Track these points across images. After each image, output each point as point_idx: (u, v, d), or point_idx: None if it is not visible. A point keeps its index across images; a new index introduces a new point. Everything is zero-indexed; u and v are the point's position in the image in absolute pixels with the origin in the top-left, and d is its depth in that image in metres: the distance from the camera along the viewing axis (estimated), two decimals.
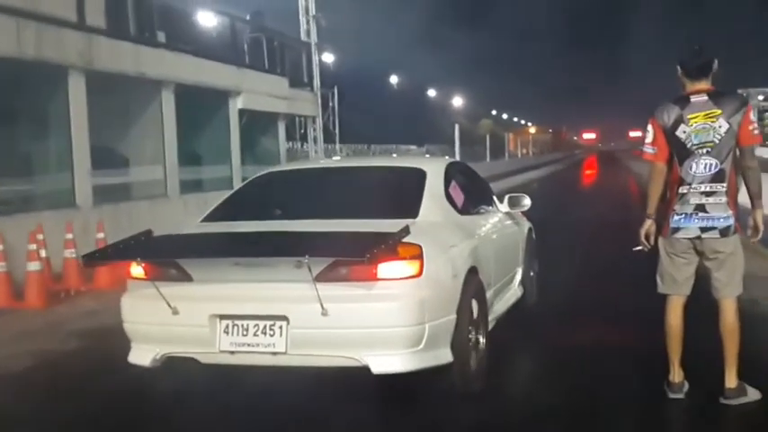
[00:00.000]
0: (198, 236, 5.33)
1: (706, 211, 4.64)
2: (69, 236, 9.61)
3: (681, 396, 4.89)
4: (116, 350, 6.66)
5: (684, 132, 4.67)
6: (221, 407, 5.08)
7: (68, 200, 11.40)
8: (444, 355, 4.73)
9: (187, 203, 14.41)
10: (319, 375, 4.98)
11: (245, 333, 4.59)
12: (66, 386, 5.82)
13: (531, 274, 7.58)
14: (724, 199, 4.63)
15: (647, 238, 4.90)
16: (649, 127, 4.84)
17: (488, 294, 5.72)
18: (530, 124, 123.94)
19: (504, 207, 6.91)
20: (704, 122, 4.62)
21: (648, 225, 4.89)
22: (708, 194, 4.64)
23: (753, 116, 4.72)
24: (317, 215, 5.28)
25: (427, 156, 33.95)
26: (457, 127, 36.77)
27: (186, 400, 5.12)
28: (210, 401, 5.16)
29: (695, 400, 4.89)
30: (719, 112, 4.61)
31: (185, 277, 4.75)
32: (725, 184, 4.63)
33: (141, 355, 4.97)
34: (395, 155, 32.20)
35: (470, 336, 5.04)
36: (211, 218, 5.65)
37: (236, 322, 4.62)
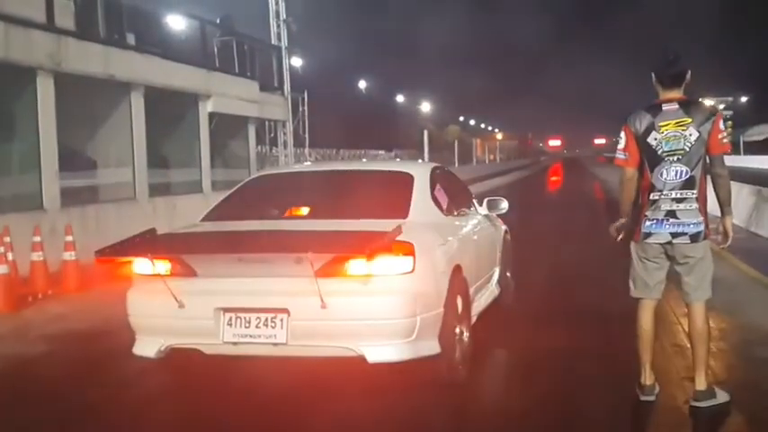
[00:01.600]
0: (201, 233, 5.57)
1: (677, 217, 4.73)
2: (37, 239, 9.49)
3: (652, 398, 4.96)
4: (86, 354, 6.68)
5: (656, 139, 4.76)
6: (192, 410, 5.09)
7: (36, 202, 11.26)
8: (433, 347, 5.00)
9: (156, 207, 14.33)
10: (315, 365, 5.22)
11: (247, 325, 4.84)
12: (35, 390, 5.75)
13: (508, 274, 7.87)
14: (694, 205, 4.72)
15: (618, 232, 5.04)
16: (622, 133, 4.92)
17: (471, 291, 5.99)
18: (497, 130, 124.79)
19: (483, 210, 7.25)
20: (675, 130, 4.71)
21: (620, 223, 5.03)
22: (678, 201, 4.72)
23: (722, 125, 4.81)
24: (313, 216, 5.62)
25: (397, 160, 34.05)
26: (426, 133, 36.89)
27: (155, 410, 5.19)
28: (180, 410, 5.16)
29: (666, 402, 4.98)
30: (690, 120, 4.70)
31: (190, 272, 4.99)
32: (695, 191, 4.71)
33: (146, 347, 5.18)
34: (364, 159, 32.23)
35: (455, 329, 5.33)
36: (210, 218, 5.89)
37: (240, 315, 4.86)
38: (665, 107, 4.78)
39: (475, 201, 7.35)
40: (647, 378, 4.96)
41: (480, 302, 6.53)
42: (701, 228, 4.74)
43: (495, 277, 7.37)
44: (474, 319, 6.04)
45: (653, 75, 4.86)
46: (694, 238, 4.74)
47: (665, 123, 4.74)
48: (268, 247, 4.87)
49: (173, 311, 4.91)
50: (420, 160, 30.39)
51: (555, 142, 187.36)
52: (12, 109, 11.50)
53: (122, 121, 13.91)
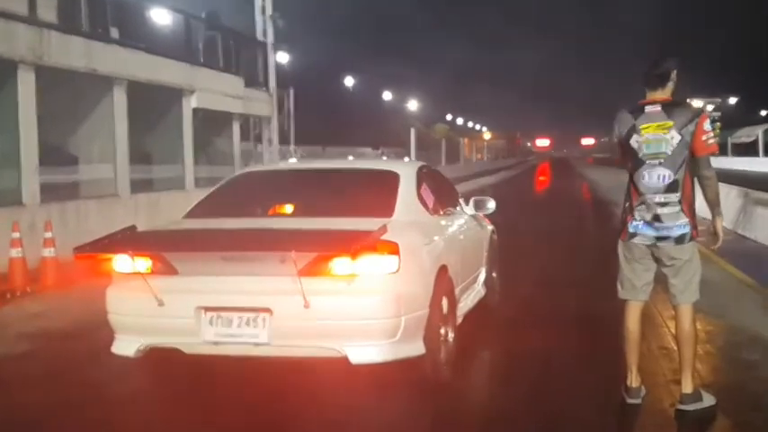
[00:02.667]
0: (183, 231, 5.47)
1: (661, 221, 4.69)
2: (15, 235, 9.33)
3: (638, 401, 4.88)
4: (63, 353, 6.55)
5: (637, 142, 4.72)
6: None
7: (15, 197, 11.09)
8: (418, 348, 4.95)
9: (138, 203, 14.19)
10: (298, 365, 5.16)
11: (229, 324, 4.78)
12: (8, 391, 5.61)
13: (494, 274, 7.79)
14: (677, 208, 4.67)
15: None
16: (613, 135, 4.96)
17: (456, 291, 5.93)
18: (485, 129, 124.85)
19: (469, 209, 7.17)
20: (656, 133, 4.66)
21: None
22: (662, 205, 4.68)
23: (707, 126, 4.72)
24: (298, 214, 5.55)
25: (384, 158, 33.95)
26: (413, 131, 36.79)
27: (134, 410, 5.10)
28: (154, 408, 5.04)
29: (652, 405, 4.92)
30: (671, 123, 4.63)
31: (171, 271, 4.90)
32: (678, 194, 4.65)
33: (125, 346, 5.10)
34: (351, 157, 32.11)
35: (441, 330, 5.27)
36: (193, 215, 5.80)
37: (221, 314, 4.79)
38: (647, 109, 4.73)
39: (461, 200, 7.28)
40: (634, 380, 4.89)
41: (466, 303, 6.47)
42: (687, 229, 4.69)
43: (481, 278, 7.30)
44: (460, 319, 5.97)
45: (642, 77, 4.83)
46: (679, 240, 4.70)
47: (645, 126, 4.69)
48: (251, 246, 4.80)
49: (153, 310, 4.83)
50: (407, 159, 30.35)
51: (543, 142, 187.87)
52: None
53: (105, 116, 13.75)
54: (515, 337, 6.78)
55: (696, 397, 4.75)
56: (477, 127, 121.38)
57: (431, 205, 6.09)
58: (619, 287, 5.00)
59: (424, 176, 6.33)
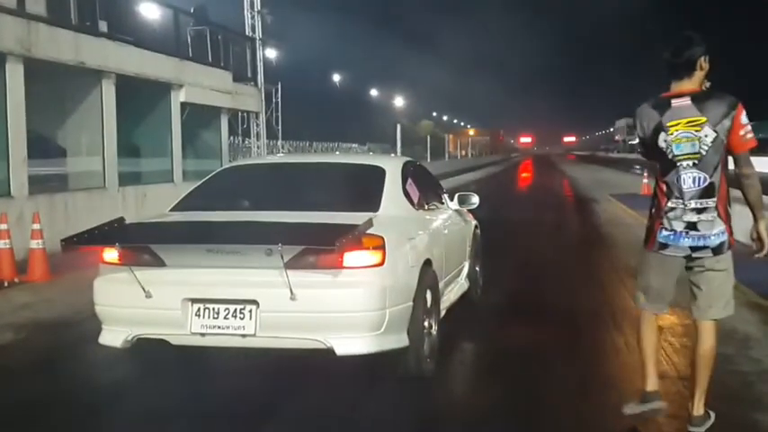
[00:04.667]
0: (170, 223, 5.51)
1: (697, 230, 4.18)
2: (3, 226, 9.38)
3: (660, 405, 4.46)
4: (50, 344, 6.62)
5: (665, 142, 4.19)
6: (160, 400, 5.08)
7: (3, 189, 11.11)
8: (402, 340, 5.04)
9: (126, 196, 14.23)
10: (283, 356, 5.21)
11: (215, 316, 4.81)
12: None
13: (477, 268, 7.92)
14: (715, 214, 4.17)
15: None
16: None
17: (440, 285, 6.03)
18: (469, 126, 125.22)
19: (453, 204, 7.29)
20: (686, 131, 4.14)
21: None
22: (699, 211, 4.16)
23: (744, 119, 4.15)
24: (282, 207, 5.53)
25: (370, 154, 34.03)
26: (399, 127, 36.89)
27: (120, 401, 5.16)
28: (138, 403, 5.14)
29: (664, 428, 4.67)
30: (704, 119, 4.10)
31: (158, 262, 4.93)
32: (715, 199, 4.15)
33: (112, 337, 5.13)
34: (338, 152, 32.18)
35: (424, 323, 5.35)
36: (179, 208, 5.84)
37: (208, 306, 4.83)
38: (674, 102, 4.17)
39: (446, 195, 7.38)
40: (655, 384, 4.48)
41: (449, 296, 6.58)
42: (724, 238, 4.20)
43: (464, 271, 7.42)
44: (443, 312, 6.08)
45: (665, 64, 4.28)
46: (717, 250, 4.20)
47: (674, 123, 4.16)
48: (238, 239, 4.86)
49: (140, 301, 4.86)
50: (393, 154, 30.44)
51: (526, 139, 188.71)
52: None
53: (93, 110, 13.75)
54: (498, 329, 6.93)
55: (706, 417, 4.38)
56: (462, 124, 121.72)
57: (416, 200, 6.17)
58: (641, 297, 4.49)
59: (409, 172, 6.42)
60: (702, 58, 4.21)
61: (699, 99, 4.15)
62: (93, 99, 13.71)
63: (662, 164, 4.25)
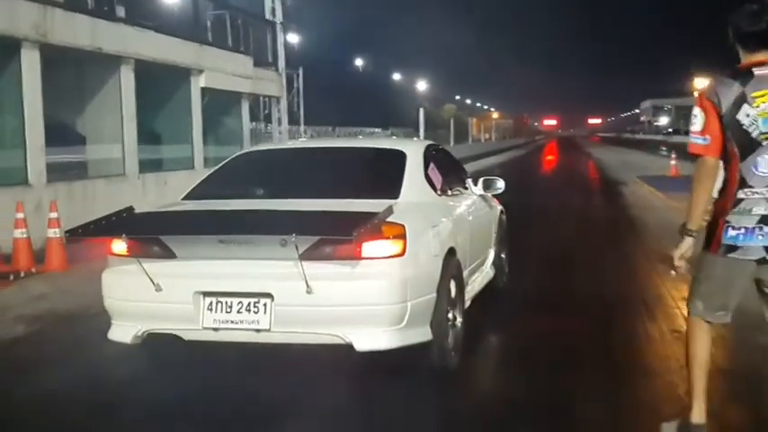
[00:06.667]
0: (181, 213, 5.30)
1: None
2: (20, 215, 9.24)
3: None
4: (65, 336, 6.45)
5: (748, 116, 3.57)
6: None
7: (20, 177, 11.00)
8: (424, 333, 4.80)
9: (146, 183, 14.13)
10: (300, 349, 4.97)
11: (228, 310, 4.61)
12: (7, 376, 5.49)
13: (503, 255, 7.66)
14: None
15: (686, 261, 3.82)
16: (697, 110, 3.69)
17: (465, 274, 5.78)
18: (492, 109, 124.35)
19: (478, 189, 7.00)
20: None
21: (687, 245, 3.77)
22: None
23: None
24: (299, 195, 5.33)
25: (393, 137, 33.81)
26: (422, 111, 36.59)
27: (134, 396, 4.97)
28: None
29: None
30: None
31: (169, 254, 4.73)
32: None
33: (122, 332, 4.94)
34: (360, 137, 31.97)
35: (448, 314, 5.11)
36: (192, 196, 5.64)
37: (220, 299, 4.63)
38: (757, 71, 3.59)
39: (470, 180, 7.11)
40: (702, 415, 3.85)
41: (474, 286, 6.33)
42: None
43: (489, 259, 7.17)
44: (468, 302, 5.83)
45: (730, 32, 3.74)
46: None
47: (760, 93, 3.57)
48: (249, 229, 4.64)
49: (150, 295, 4.65)
50: (415, 138, 30.17)
51: (550, 122, 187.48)
52: None
53: (112, 96, 13.65)
54: (526, 320, 6.66)
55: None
56: (486, 107, 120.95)
57: (438, 185, 5.94)
58: (697, 304, 3.83)
59: (431, 156, 6.18)
60: None
61: None
62: (112, 85, 13.60)
63: (740, 144, 3.60)
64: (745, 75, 3.62)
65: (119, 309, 4.94)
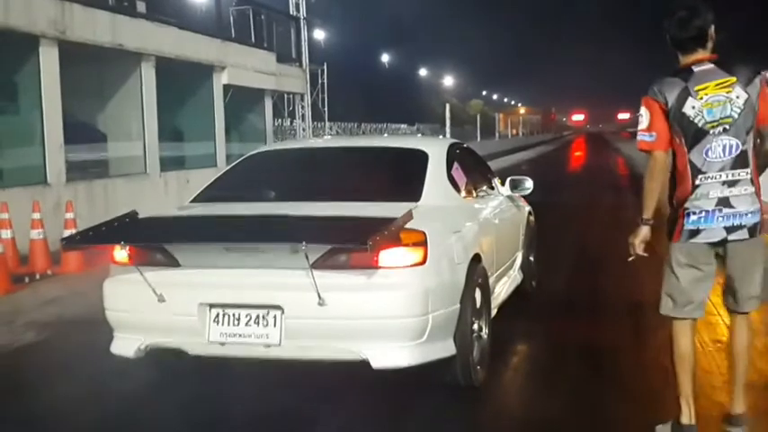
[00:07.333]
0: (186, 218, 5.02)
1: (731, 206, 3.71)
2: (36, 215, 9.07)
3: None
4: (75, 344, 6.19)
5: (694, 108, 3.73)
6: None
7: (38, 177, 10.83)
8: (447, 348, 4.48)
9: (168, 181, 13.97)
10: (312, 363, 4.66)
11: (236, 323, 4.33)
12: (8, 386, 5.24)
13: (531, 258, 7.34)
14: (750, 188, 3.72)
15: (642, 244, 3.99)
16: (643, 109, 3.87)
17: (491, 281, 5.46)
18: (520, 105, 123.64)
19: (505, 190, 6.70)
20: (716, 93, 3.71)
21: (644, 233, 3.96)
22: (731, 184, 3.71)
23: None
24: (313, 197, 5.06)
25: (419, 135, 33.50)
26: (448, 107, 36.21)
27: (144, 408, 4.74)
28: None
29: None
30: (733, 79, 3.71)
31: (173, 263, 4.46)
32: (749, 170, 3.72)
33: (124, 346, 4.65)
34: (386, 134, 31.71)
35: (473, 326, 4.78)
36: (201, 198, 5.38)
37: (227, 311, 4.34)
38: (696, 68, 3.77)
39: (496, 180, 6.79)
40: (691, 416, 3.92)
41: (501, 293, 6.00)
42: (759, 217, 3.74)
43: (517, 263, 6.83)
44: (494, 311, 5.50)
45: (667, 38, 3.89)
46: (753, 230, 3.73)
47: (702, 86, 3.72)
48: (257, 236, 4.34)
49: (153, 306, 4.38)
50: (440, 136, 29.82)
51: (578, 117, 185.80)
52: (13, 78, 11.04)
53: (133, 93, 13.49)
54: (556, 327, 6.33)
55: (746, 415, 4.00)
56: (513, 102, 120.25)
57: (463, 187, 5.62)
58: (666, 302, 3.95)
59: (455, 155, 5.85)
60: (712, 29, 3.83)
61: (721, 63, 3.78)
62: (133, 82, 13.44)
63: (689, 136, 3.77)
64: (686, 72, 3.80)
65: (120, 321, 4.67)
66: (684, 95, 3.75)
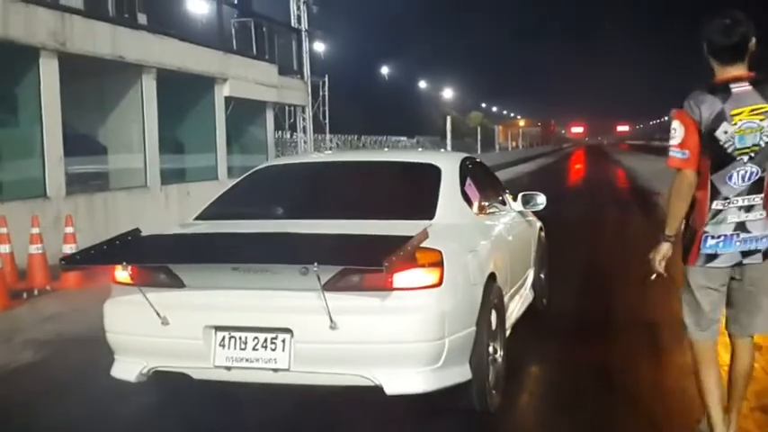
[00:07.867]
0: (191, 237, 4.83)
1: (747, 230, 3.71)
2: (35, 230, 8.89)
3: None
4: (74, 366, 5.97)
5: (726, 133, 3.65)
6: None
7: (38, 190, 10.67)
8: (463, 373, 4.29)
9: (168, 194, 13.83)
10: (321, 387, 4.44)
11: (243, 347, 4.14)
12: (7, 412, 5.04)
13: (542, 275, 7.14)
14: (764, 213, 3.73)
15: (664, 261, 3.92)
16: (676, 123, 3.75)
17: (505, 300, 5.27)
18: (519, 117, 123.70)
19: (516, 205, 6.50)
20: (750, 120, 3.62)
21: (665, 250, 3.89)
22: (747, 209, 3.71)
23: None
24: (323, 215, 4.86)
25: (419, 150, 33.34)
26: (449, 119, 36.06)
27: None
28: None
29: None
30: (767, 107, 3.62)
31: (177, 283, 4.27)
32: (762, 195, 3.72)
33: (126, 369, 4.45)
34: (386, 148, 31.57)
35: (489, 348, 4.60)
36: (206, 216, 5.16)
37: (234, 334, 4.16)
38: (734, 88, 3.65)
39: (508, 195, 6.61)
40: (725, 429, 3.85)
41: (514, 312, 5.80)
42: None
43: (529, 280, 6.64)
44: (508, 331, 5.31)
45: (705, 46, 3.76)
46: (766, 254, 3.75)
47: (738, 111, 3.62)
48: (266, 257, 4.13)
49: (156, 329, 4.19)
50: (443, 149, 29.68)
51: (577, 129, 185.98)
52: (12, 90, 10.91)
53: (133, 105, 13.37)
54: (569, 347, 6.11)
55: None
56: (512, 114, 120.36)
57: (476, 203, 5.42)
58: (691, 327, 3.89)
59: (468, 170, 5.66)
60: (753, 41, 3.72)
61: (759, 84, 3.66)
62: (134, 94, 13.33)
63: (716, 159, 3.70)
64: (723, 91, 3.68)
65: (122, 344, 4.46)
66: (720, 119, 3.66)
